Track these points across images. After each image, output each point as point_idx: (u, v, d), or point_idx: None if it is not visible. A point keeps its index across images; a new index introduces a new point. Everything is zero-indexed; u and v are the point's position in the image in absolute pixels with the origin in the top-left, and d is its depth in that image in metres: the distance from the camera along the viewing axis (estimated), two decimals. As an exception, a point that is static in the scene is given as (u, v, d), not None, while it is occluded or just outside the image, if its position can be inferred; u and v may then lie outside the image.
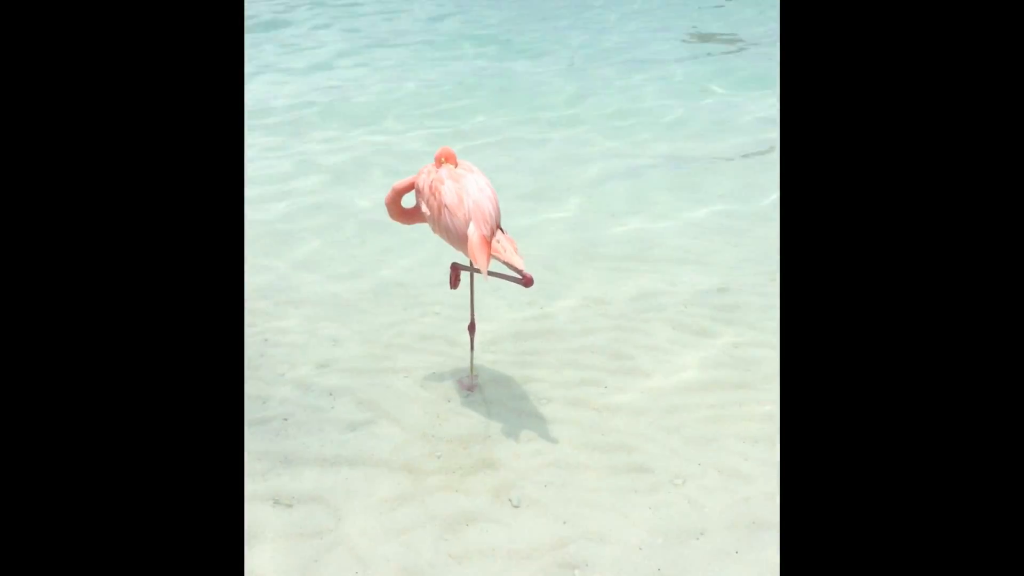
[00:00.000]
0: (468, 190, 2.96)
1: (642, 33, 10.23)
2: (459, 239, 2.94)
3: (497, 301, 4.00)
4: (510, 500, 2.76)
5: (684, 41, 9.78)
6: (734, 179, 5.64)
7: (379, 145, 6.43)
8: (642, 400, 3.27)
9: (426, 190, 3.04)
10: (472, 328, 3.33)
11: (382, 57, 9.25)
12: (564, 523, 2.66)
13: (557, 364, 3.53)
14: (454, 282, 3.28)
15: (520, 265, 2.91)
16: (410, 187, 3.20)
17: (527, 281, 2.94)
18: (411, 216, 3.25)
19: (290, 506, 2.75)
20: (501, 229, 3.03)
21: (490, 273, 2.90)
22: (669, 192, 5.43)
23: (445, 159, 3.08)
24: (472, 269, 3.19)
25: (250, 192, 5.42)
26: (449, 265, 3.29)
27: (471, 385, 3.38)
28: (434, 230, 3.08)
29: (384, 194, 3.32)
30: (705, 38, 9.90)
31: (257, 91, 7.87)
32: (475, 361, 3.43)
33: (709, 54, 9.14)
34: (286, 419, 3.20)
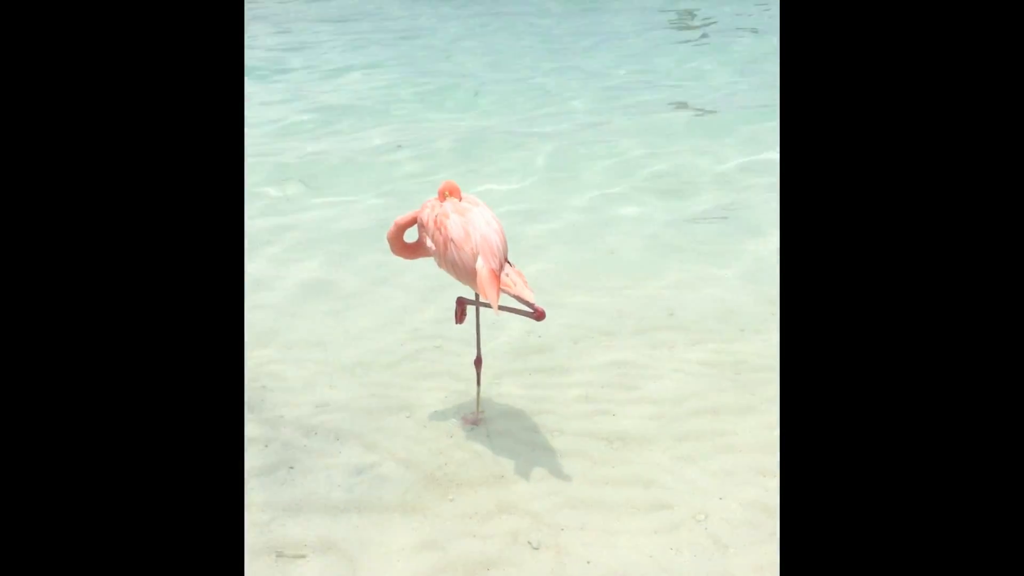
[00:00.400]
0: (475, 224, 2.89)
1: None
2: (467, 274, 2.87)
3: (498, 332, 3.92)
4: (529, 543, 2.68)
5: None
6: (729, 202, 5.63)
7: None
8: (653, 428, 3.21)
9: (431, 224, 2.97)
10: (479, 363, 3.26)
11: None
12: (588, 563, 2.59)
13: (564, 396, 3.45)
14: (460, 317, 3.20)
15: (530, 298, 2.84)
16: (413, 221, 3.12)
17: (538, 315, 2.87)
18: (414, 251, 3.18)
19: (303, 556, 2.65)
20: (508, 262, 2.96)
21: (500, 307, 2.83)
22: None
23: (449, 192, 3.02)
24: (479, 303, 3.12)
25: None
26: (454, 300, 3.21)
27: (476, 419, 3.30)
28: (439, 264, 3.01)
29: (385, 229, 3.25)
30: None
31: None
32: (481, 395, 3.35)
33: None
34: (292, 467, 3.10)
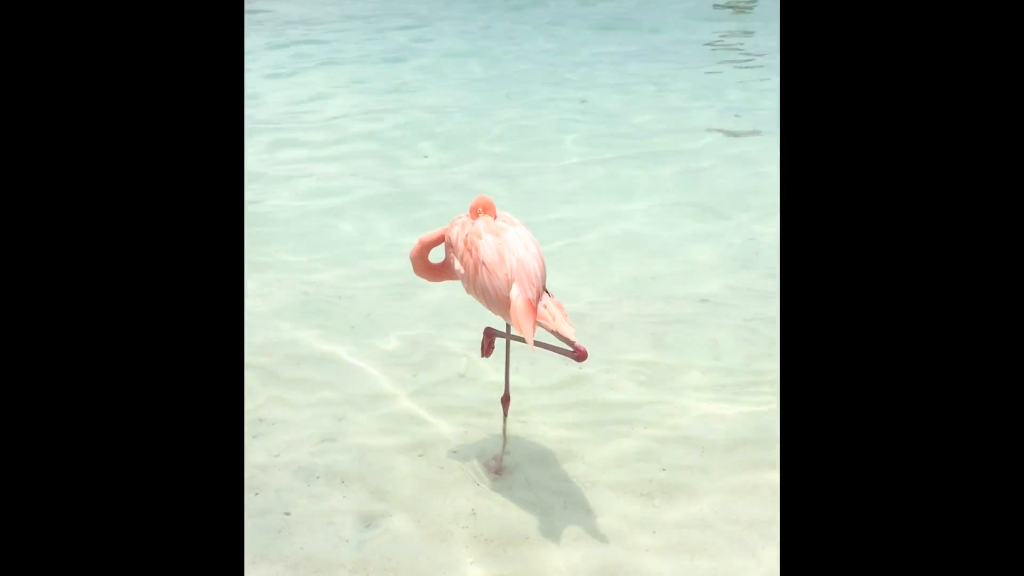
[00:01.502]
0: (511, 246, 2.52)
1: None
2: (499, 303, 2.50)
3: (526, 365, 3.53)
4: (560, 621, 2.31)
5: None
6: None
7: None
8: (701, 481, 2.83)
9: (460, 245, 2.60)
10: (506, 401, 2.88)
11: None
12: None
13: (599, 437, 3.07)
14: (487, 350, 2.82)
15: (571, 335, 2.47)
16: (439, 240, 2.76)
17: (580, 355, 2.50)
18: (439, 272, 2.81)
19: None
20: (547, 291, 2.59)
21: (536, 343, 2.46)
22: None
23: (483, 209, 2.65)
24: (511, 336, 2.74)
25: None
26: (482, 330, 2.83)
27: (499, 468, 2.92)
28: (467, 290, 2.64)
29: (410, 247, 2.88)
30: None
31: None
32: (507, 437, 2.97)
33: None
34: (288, 513, 2.73)
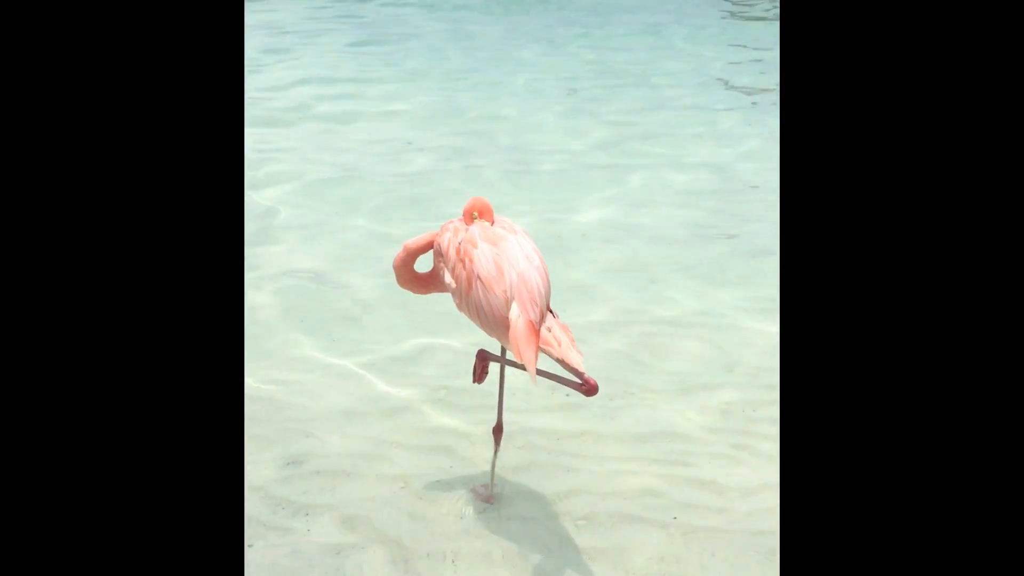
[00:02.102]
0: (510, 257, 2.20)
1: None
2: (495, 324, 2.17)
3: (516, 381, 3.19)
4: None
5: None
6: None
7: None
8: (720, 521, 2.52)
9: (452, 254, 2.27)
10: (499, 431, 2.55)
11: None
12: None
13: (600, 471, 2.75)
14: (480, 375, 2.49)
15: (579, 364, 2.15)
16: (427, 247, 2.42)
17: (589, 388, 2.18)
18: (427, 284, 2.48)
19: None
20: (551, 311, 2.26)
21: (540, 372, 2.13)
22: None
23: (478, 213, 2.32)
24: (507, 362, 2.41)
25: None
26: (475, 353, 2.50)
27: (488, 496, 2.60)
28: (459, 306, 2.31)
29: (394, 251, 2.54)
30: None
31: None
32: (496, 467, 2.65)
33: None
34: (250, 545, 2.40)
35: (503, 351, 2.42)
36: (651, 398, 3.15)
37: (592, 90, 7.16)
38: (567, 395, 3.06)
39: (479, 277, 2.18)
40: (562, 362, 2.16)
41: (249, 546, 2.40)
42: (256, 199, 4.92)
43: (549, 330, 2.18)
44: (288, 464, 2.75)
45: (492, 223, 2.31)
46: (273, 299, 3.85)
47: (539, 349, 2.13)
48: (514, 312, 2.14)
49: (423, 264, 2.50)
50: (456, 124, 6.30)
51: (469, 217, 2.32)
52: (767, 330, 3.60)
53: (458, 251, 2.25)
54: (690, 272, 4.16)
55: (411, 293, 2.54)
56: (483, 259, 2.20)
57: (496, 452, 2.58)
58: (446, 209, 4.56)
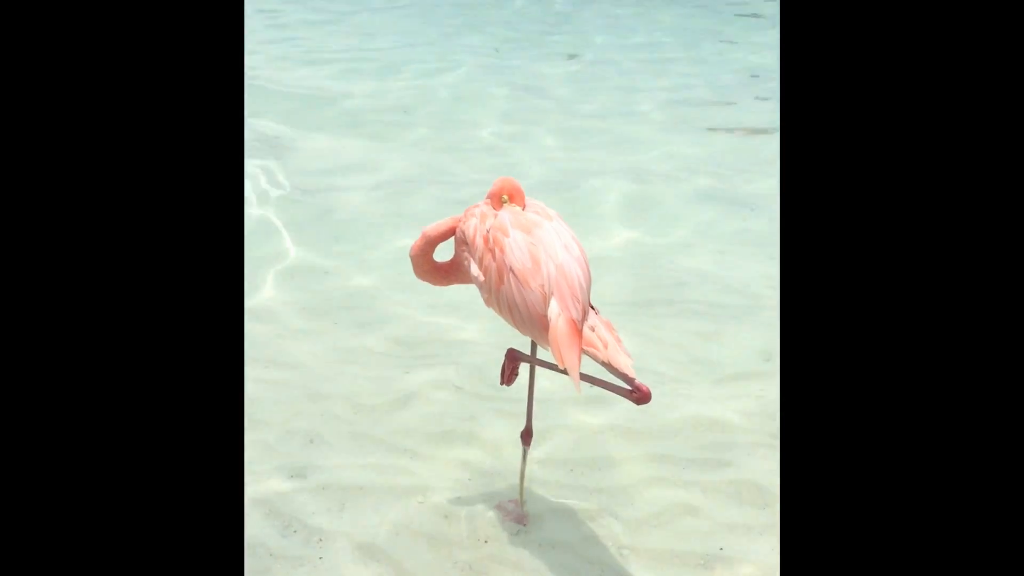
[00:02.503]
0: (547, 247, 1.91)
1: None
2: (532, 323, 1.89)
3: (550, 385, 2.89)
4: None
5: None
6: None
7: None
8: (770, 555, 2.24)
9: (479, 243, 1.98)
10: (528, 436, 2.27)
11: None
12: None
13: (640, 483, 2.48)
14: (509, 377, 2.20)
15: (628, 369, 1.87)
16: (449, 233, 2.14)
17: (642, 396, 1.89)
18: (447, 274, 2.19)
19: None
20: (593, 307, 1.98)
21: (583, 377, 1.85)
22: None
23: (508, 197, 2.03)
24: (541, 362, 2.11)
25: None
26: (505, 352, 2.21)
27: (520, 516, 2.33)
28: (487, 302, 2.03)
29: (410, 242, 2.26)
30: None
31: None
32: (526, 482, 2.36)
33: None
34: (251, 579, 2.12)
35: (533, 348, 2.13)
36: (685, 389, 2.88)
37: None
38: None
39: (512, 269, 1.90)
40: (608, 365, 1.87)
41: None
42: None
43: (592, 329, 1.90)
44: (293, 476, 2.47)
45: (523, 207, 2.02)
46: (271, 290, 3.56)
47: (582, 351, 1.84)
48: (553, 310, 1.85)
49: (442, 255, 2.21)
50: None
51: (497, 201, 2.03)
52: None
53: (486, 240, 1.96)
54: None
55: (430, 285, 2.25)
56: (516, 249, 1.91)
57: (525, 459, 2.29)
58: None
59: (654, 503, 2.40)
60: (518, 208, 2.01)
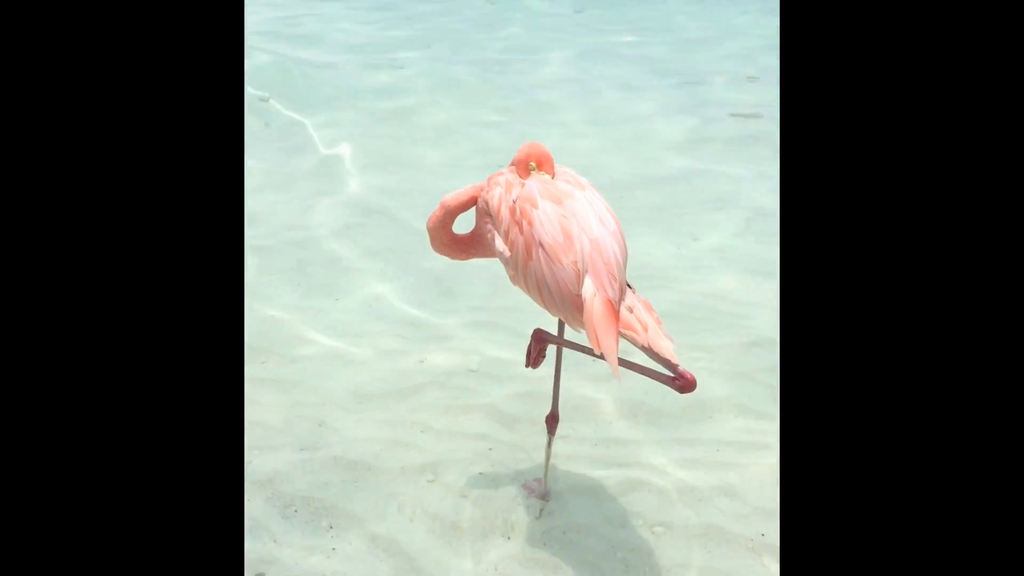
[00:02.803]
0: (580, 220, 1.76)
1: None
2: (563, 302, 1.74)
3: (572, 361, 2.72)
4: None
5: None
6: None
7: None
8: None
9: (505, 214, 1.82)
10: (553, 421, 2.14)
11: None
12: None
13: (668, 462, 2.36)
14: (536, 359, 2.05)
15: (671, 354, 1.73)
16: (471, 203, 1.98)
17: (686, 383, 1.76)
18: (467, 247, 2.04)
19: None
20: (629, 286, 1.84)
21: (622, 362, 1.72)
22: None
23: (536, 164, 1.86)
24: (573, 345, 1.96)
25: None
26: (531, 333, 2.06)
27: (543, 492, 2.22)
28: (513, 279, 1.88)
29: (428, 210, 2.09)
30: None
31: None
32: (550, 461, 2.24)
33: None
34: (261, 573, 2.00)
35: (561, 329, 1.99)
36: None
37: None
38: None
39: (541, 244, 1.74)
40: (648, 350, 1.73)
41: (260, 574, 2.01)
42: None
43: (631, 310, 1.76)
44: (303, 449, 2.34)
45: (552, 176, 1.86)
46: (260, 259, 3.40)
47: (620, 335, 1.71)
48: (588, 289, 1.71)
49: (462, 227, 2.05)
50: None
51: (524, 168, 1.86)
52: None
53: (512, 211, 1.80)
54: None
55: (448, 259, 2.10)
56: (546, 222, 1.75)
57: (550, 445, 2.17)
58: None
59: (676, 477, 2.28)
60: (547, 176, 1.85)
